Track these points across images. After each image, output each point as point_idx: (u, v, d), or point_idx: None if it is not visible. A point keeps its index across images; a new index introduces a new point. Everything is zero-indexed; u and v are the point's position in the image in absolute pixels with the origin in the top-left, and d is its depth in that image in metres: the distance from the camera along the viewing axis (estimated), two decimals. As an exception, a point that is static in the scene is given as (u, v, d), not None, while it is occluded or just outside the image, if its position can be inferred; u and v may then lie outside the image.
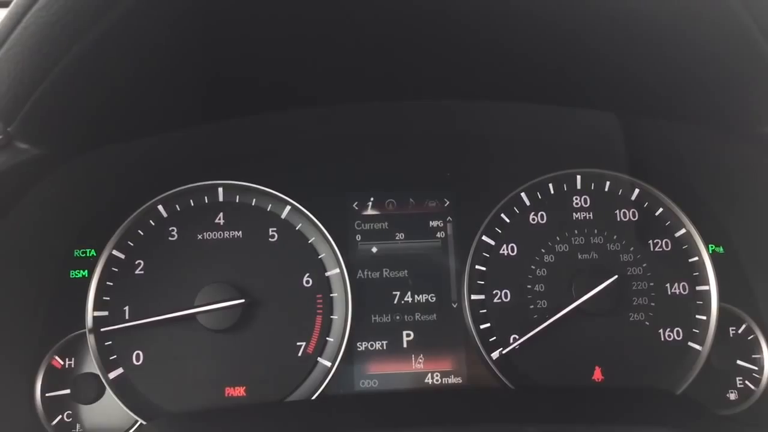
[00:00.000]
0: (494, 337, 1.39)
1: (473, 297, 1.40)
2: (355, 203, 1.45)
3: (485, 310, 1.40)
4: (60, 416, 1.32)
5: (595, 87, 1.25)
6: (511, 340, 1.38)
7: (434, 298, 1.42)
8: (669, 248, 1.44)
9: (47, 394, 1.32)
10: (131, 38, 0.92)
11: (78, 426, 1.32)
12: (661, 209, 1.45)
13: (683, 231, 1.44)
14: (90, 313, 1.34)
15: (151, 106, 1.16)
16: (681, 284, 1.42)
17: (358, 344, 1.39)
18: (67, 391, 1.33)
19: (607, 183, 1.47)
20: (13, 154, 1.08)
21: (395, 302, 1.42)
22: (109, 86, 1.04)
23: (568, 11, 0.98)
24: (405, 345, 1.40)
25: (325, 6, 0.99)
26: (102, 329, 1.34)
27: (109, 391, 1.32)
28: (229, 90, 1.24)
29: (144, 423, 1.30)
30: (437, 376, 1.39)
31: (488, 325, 1.39)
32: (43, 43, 0.87)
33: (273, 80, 1.23)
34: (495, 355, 1.38)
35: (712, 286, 1.41)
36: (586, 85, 1.26)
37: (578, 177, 1.46)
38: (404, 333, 1.41)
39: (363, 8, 1.01)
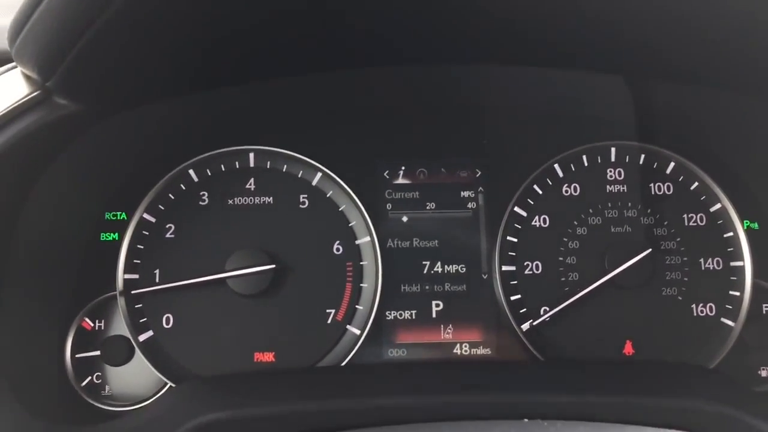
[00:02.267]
0: (524, 309, 1.38)
1: (504, 268, 1.39)
2: (386, 172, 1.44)
3: (516, 282, 1.39)
4: (90, 377, 1.33)
5: (633, 53, 1.23)
6: (542, 312, 1.37)
7: (464, 269, 1.41)
8: (703, 223, 1.42)
9: (77, 356, 1.33)
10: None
11: (107, 387, 1.33)
12: (696, 183, 1.43)
13: (718, 206, 1.42)
14: (121, 276, 1.34)
15: (187, 65, 1.15)
16: (715, 260, 1.40)
17: (387, 313, 1.38)
18: (97, 353, 1.33)
19: (642, 156, 1.45)
20: (51, 109, 1.08)
21: (425, 272, 1.41)
22: (148, 42, 1.03)
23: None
24: (434, 315, 1.39)
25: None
26: (132, 292, 1.34)
27: (138, 354, 1.32)
28: (265, 53, 1.22)
29: (173, 385, 1.30)
30: (466, 346, 1.38)
31: (519, 296, 1.38)
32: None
33: (309, 43, 1.22)
34: (525, 326, 1.37)
35: (747, 262, 1.39)
36: (624, 51, 1.23)
37: (613, 149, 1.44)
38: (433, 303, 1.40)
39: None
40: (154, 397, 1.32)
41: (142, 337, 1.32)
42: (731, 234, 1.41)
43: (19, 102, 1.06)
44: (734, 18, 1.00)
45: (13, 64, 1.08)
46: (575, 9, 1.08)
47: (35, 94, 1.06)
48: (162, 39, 1.01)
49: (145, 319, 1.33)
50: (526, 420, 0.93)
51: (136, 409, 1.31)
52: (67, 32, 0.93)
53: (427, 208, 1.44)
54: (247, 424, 1.10)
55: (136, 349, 1.32)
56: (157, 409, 1.24)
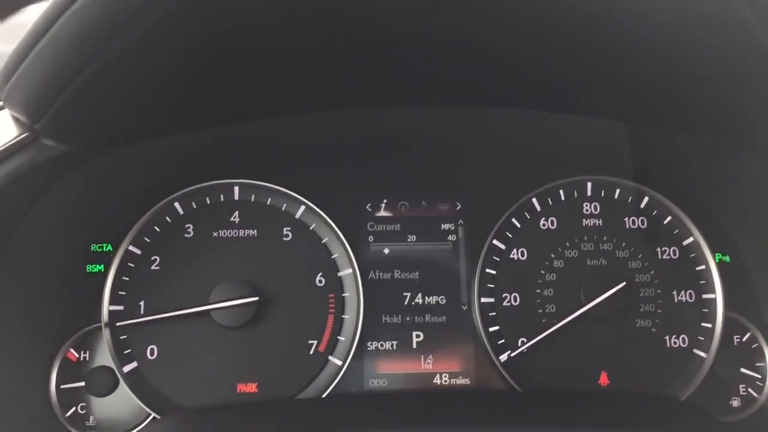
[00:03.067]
0: (503, 340, 1.41)
1: (483, 300, 1.42)
2: (369, 204, 1.47)
3: (494, 313, 1.42)
4: (74, 408, 1.34)
5: (606, 96, 1.28)
6: (520, 344, 1.40)
7: (444, 300, 1.44)
8: (677, 256, 1.46)
9: (62, 386, 1.34)
10: (161, 43, 0.94)
11: (91, 418, 1.34)
12: (669, 218, 1.47)
13: (691, 239, 1.46)
14: (106, 307, 1.36)
15: (173, 107, 1.18)
16: (687, 292, 1.44)
17: (368, 344, 1.41)
18: (82, 384, 1.35)
19: (617, 191, 1.49)
20: (39, 150, 1.11)
21: (406, 303, 1.44)
22: (135, 87, 1.06)
23: (581, 22, 1.00)
24: (414, 345, 1.42)
25: (341, 13, 1.00)
26: (117, 323, 1.35)
27: (123, 385, 1.34)
28: (247, 93, 1.26)
29: (157, 417, 1.32)
30: (446, 377, 1.41)
31: (497, 327, 1.42)
32: (77, 43, 0.89)
33: (290, 85, 1.25)
34: (503, 357, 1.40)
35: (718, 295, 1.43)
36: (598, 94, 1.28)
37: (589, 184, 1.48)
38: (414, 333, 1.43)
39: (382, 15, 1.03)
40: (138, 428, 1.33)
41: (126, 368, 1.34)
42: (703, 267, 1.45)
43: (8, 144, 1.08)
44: (709, 65, 1.04)
45: (1, 105, 1.11)
46: (557, 55, 1.12)
47: (23, 136, 1.08)
48: (148, 85, 1.04)
49: (129, 350, 1.35)
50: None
51: (121, 439, 1.32)
52: (56, 80, 0.95)
53: (408, 240, 1.47)
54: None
55: (120, 380, 1.34)
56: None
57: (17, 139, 1.08)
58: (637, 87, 1.19)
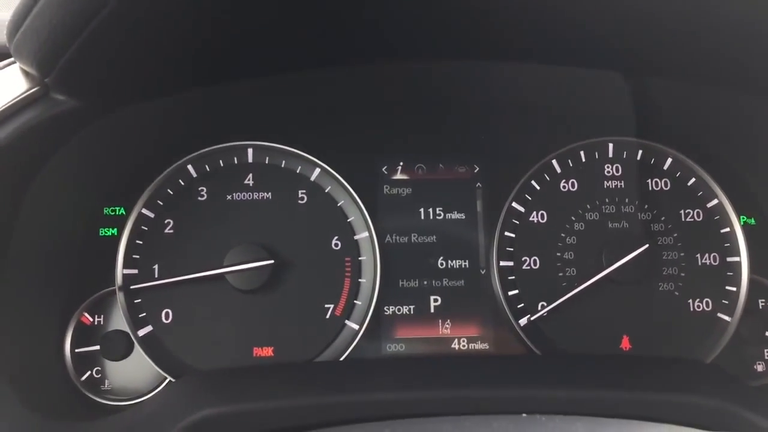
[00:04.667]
0: (522, 304, 1.39)
1: (502, 263, 1.40)
2: (385, 167, 1.45)
3: (514, 277, 1.40)
4: (89, 372, 1.33)
5: (630, 49, 1.23)
6: (539, 308, 1.38)
7: (462, 264, 1.42)
8: (700, 219, 1.43)
9: (77, 350, 1.33)
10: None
11: (107, 382, 1.33)
12: (693, 179, 1.44)
13: (715, 201, 1.43)
14: (120, 271, 1.34)
15: (184, 62, 1.15)
16: (712, 255, 1.41)
17: (385, 308, 1.39)
18: (97, 348, 1.33)
19: (640, 152, 1.45)
20: (50, 105, 1.08)
21: (423, 267, 1.41)
22: (146, 40, 1.03)
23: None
24: (432, 310, 1.40)
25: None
26: (131, 287, 1.34)
27: (138, 349, 1.33)
28: (262, 48, 1.23)
29: (172, 380, 1.30)
30: (464, 341, 1.39)
31: (516, 291, 1.39)
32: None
33: (305, 39, 1.22)
34: (523, 321, 1.38)
35: (743, 258, 1.40)
36: (621, 48, 1.24)
37: (611, 145, 1.45)
38: (432, 298, 1.40)
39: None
40: (154, 392, 1.32)
41: (141, 332, 1.33)
42: (728, 229, 1.42)
43: (18, 98, 1.05)
44: (734, 17, 1.00)
45: (12, 59, 1.08)
46: (576, 6, 1.08)
47: (34, 90, 1.06)
48: (159, 36, 1.01)
49: (144, 314, 1.34)
50: (524, 415, 0.93)
51: (135, 403, 1.31)
52: (66, 29, 0.93)
53: (425, 203, 1.44)
54: (246, 418, 1.10)
55: (136, 344, 1.33)
56: (156, 404, 1.24)
57: (28, 93, 1.06)
58: (661, 39, 1.15)
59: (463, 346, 1.39)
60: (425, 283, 1.41)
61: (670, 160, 1.45)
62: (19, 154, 1.08)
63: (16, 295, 1.19)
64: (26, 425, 1.10)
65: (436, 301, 1.40)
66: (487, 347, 1.39)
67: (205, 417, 1.08)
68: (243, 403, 1.12)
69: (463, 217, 1.44)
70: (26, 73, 1.08)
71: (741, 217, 1.43)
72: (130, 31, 0.95)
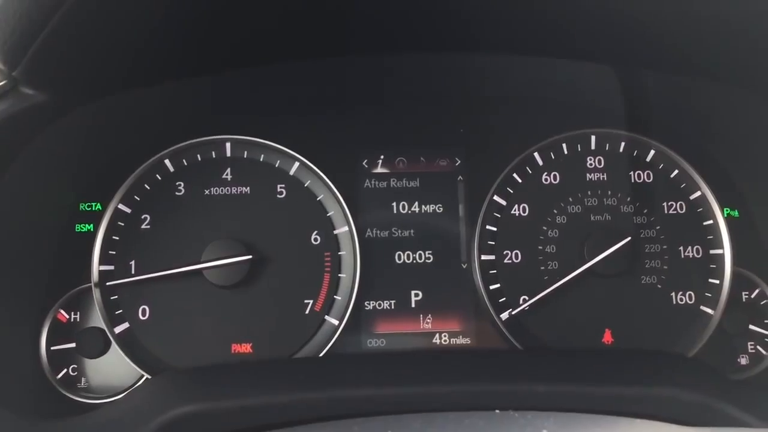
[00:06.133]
0: (504, 298, 1.38)
1: (483, 257, 1.39)
2: (365, 161, 1.43)
3: (495, 271, 1.39)
4: (65, 370, 1.32)
5: (613, 41, 1.22)
6: (521, 302, 1.37)
7: (443, 258, 1.40)
8: (683, 211, 1.42)
9: (52, 348, 1.31)
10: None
11: (83, 380, 1.32)
12: (676, 171, 1.43)
13: (698, 194, 1.42)
14: (96, 267, 1.33)
15: (157, 53, 1.14)
16: (694, 247, 1.40)
17: (365, 303, 1.38)
18: (73, 345, 1.32)
19: (622, 144, 1.44)
20: (18, 99, 1.07)
21: (404, 261, 1.40)
22: (114, 31, 1.01)
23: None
24: (413, 305, 1.39)
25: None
26: (108, 283, 1.33)
27: (114, 346, 1.31)
28: (239, 40, 1.21)
29: (149, 377, 1.29)
30: (445, 336, 1.38)
31: (498, 285, 1.38)
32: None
33: (283, 31, 1.20)
34: (504, 316, 1.37)
35: (726, 250, 1.39)
36: (604, 39, 1.22)
37: (593, 137, 1.44)
38: (412, 293, 1.39)
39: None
40: (131, 389, 1.30)
41: (117, 329, 1.32)
42: (711, 222, 1.41)
43: (-15, 92, 1.04)
44: (718, 13, 0.99)
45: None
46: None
47: (2, 83, 1.04)
48: (127, 27, 0.99)
49: (120, 310, 1.33)
50: (497, 411, 0.92)
51: (112, 401, 1.29)
52: (31, 21, 0.91)
53: (406, 197, 1.42)
54: (224, 416, 1.09)
55: (112, 341, 1.32)
56: (133, 401, 1.23)
57: (-5, 86, 1.04)
58: (643, 31, 1.14)
59: (445, 340, 1.38)
60: (406, 277, 1.39)
61: (652, 152, 1.44)
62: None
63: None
64: (6, 424, 1.09)
65: (417, 295, 1.39)
66: (469, 342, 1.38)
67: (181, 414, 1.06)
68: (220, 401, 1.11)
69: (444, 210, 1.42)
70: (-8, 65, 1.06)
71: (724, 209, 1.42)
72: (95, 22, 0.94)
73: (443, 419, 0.86)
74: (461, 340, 1.38)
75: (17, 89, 1.06)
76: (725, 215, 1.41)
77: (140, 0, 0.94)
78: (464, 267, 1.40)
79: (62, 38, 0.94)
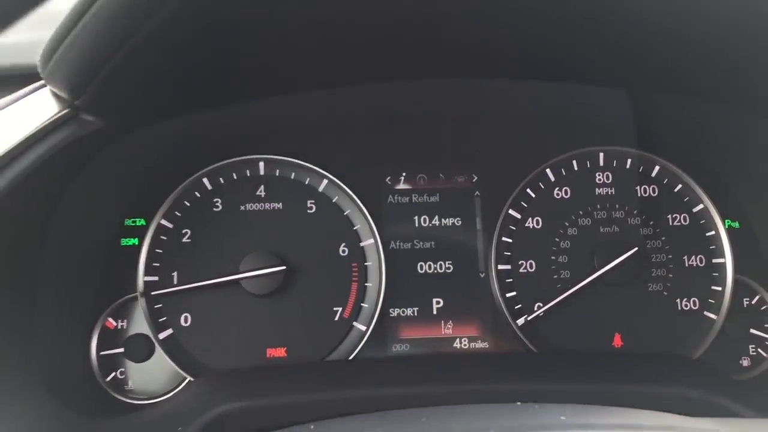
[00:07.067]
0: (519, 305, 1.47)
1: (500, 267, 1.48)
2: (389, 178, 1.53)
3: (511, 280, 1.48)
4: (114, 373, 1.41)
5: (617, 67, 1.32)
6: (536, 308, 1.46)
7: (463, 268, 1.50)
8: (687, 222, 1.51)
9: (102, 353, 1.41)
10: (193, 21, 1.00)
11: (130, 382, 1.42)
12: (679, 185, 1.53)
13: (701, 206, 1.51)
14: (141, 278, 1.43)
15: (203, 84, 1.25)
16: (698, 257, 1.49)
17: (390, 310, 1.47)
18: (121, 350, 1.42)
19: (629, 160, 1.54)
20: (79, 126, 1.17)
21: (426, 271, 1.50)
22: (170, 65, 1.12)
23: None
24: (435, 311, 1.49)
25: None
26: (152, 293, 1.43)
27: (159, 351, 1.41)
28: (274, 72, 1.31)
29: (192, 380, 1.39)
30: (465, 341, 1.48)
31: (514, 293, 1.47)
32: (117, 21, 0.95)
33: (314, 64, 1.31)
34: (520, 321, 1.46)
35: (728, 259, 1.48)
36: (611, 65, 1.32)
37: (601, 154, 1.54)
38: (434, 300, 1.49)
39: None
40: (174, 391, 1.40)
41: (162, 335, 1.42)
42: (713, 233, 1.50)
43: (51, 119, 1.14)
44: (721, 40, 1.08)
45: (41, 82, 1.17)
46: (568, 30, 1.16)
47: (65, 111, 1.14)
48: (183, 62, 1.10)
49: (164, 318, 1.42)
50: (518, 403, 1.02)
51: (158, 401, 1.39)
52: (97, 56, 1.01)
53: (427, 211, 1.52)
54: (262, 413, 1.19)
55: (157, 346, 1.41)
56: (178, 401, 1.34)
57: (59, 114, 1.15)
58: (646, 56, 1.24)
59: (464, 345, 1.47)
60: (428, 286, 1.49)
61: (657, 167, 1.53)
62: (52, 171, 1.17)
63: (48, 302, 1.28)
64: (62, 421, 1.19)
65: (438, 303, 1.49)
66: (487, 346, 1.47)
67: (223, 412, 1.16)
68: (259, 399, 1.21)
69: (463, 223, 1.52)
70: (57, 96, 1.17)
71: (725, 220, 1.51)
72: (154, 58, 1.04)
73: (468, 409, 0.95)
74: (480, 345, 1.48)
75: (78, 116, 1.17)
76: (726, 226, 1.50)
77: (197, 41, 1.04)
78: (482, 276, 1.50)
79: (122, 72, 1.05)
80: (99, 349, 1.42)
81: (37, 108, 1.17)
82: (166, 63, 1.09)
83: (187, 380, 1.40)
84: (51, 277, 1.29)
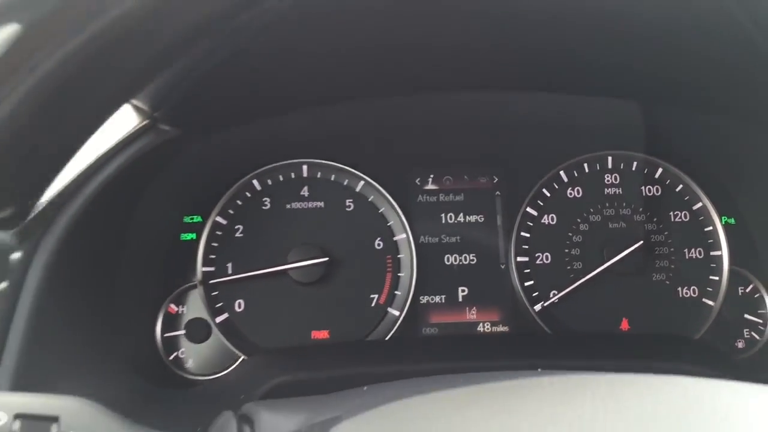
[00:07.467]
0: (536, 293, 1.64)
1: (519, 259, 1.65)
2: (418, 179, 1.71)
3: (529, 270, 1.65)
4: (176, 352, 1.58)
5: (625, 81, 1.48)
6: (551, 295, 1.63)
7: (485, 260, 1.67)
8: (687, 219, 1.67)
9: (165, 335, 1.59)
10: (272, 42, 1.16)
11: (191, 360, 1.59)
12: (681, 186, 1.68)
13: (700, 204, 1.67)
14: (199, 269, 1.60)
15: (263, 96, 1.43)
16: (697, 250, 1.65)
17: (421, 297, 1.64)
18: (182, 332, 1.60)
19: (635, 163, 1.70)
20: (157, 134, 1.35)
21: (452, 263, 1.67)
22: (243, 81, 1.30)
23: (600, 16, 1.20)
24: (460, 299, 1.65)
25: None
26: (210, 282, 1.59)
27: (216, 333, 1.59)
28: (319, 84, 1.49)
29: (245, 358, 1.56)
30: (488, 325, 1.65)
31: (532, 282, 1.64)
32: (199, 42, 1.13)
33: (356, 77, 1.48)
34: (537, 307, 1.63)
35: (724, 252, 1.64)
36: (617, 78, 1.48)
37: (610, 158, 1.70)
38: (460, 289, 1.66)
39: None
40: (230, 368, 1.58)
41: (218, 319, 1.59)
42: (711, 228, 1.66)
43: (132, 130, 1.32)
44: (718, 55, 1.22)
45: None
46: (582, 46, 1.32)
47: (144, 122, 1.33)
48: (248, 78, 1.28)
49: (220, 304, 1.59)
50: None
51: (216, 377, 1.57)
52: (177, 75, 1.20)
53: (453, 209, 1.70)
54: (310, 384, 1.36)
55: (213, 328, 1.59)
56: (234, 377, 1.52)
57: (140, 125, 1.33)
58: (653, 72, 1.39)
59: (487, 328, 1.64)
60: (454, 276, 1.66)
61: (660, 170, 1.70)
62: (133, 176, 1.35)
63: (125, 292, 1.47)
64: (141, 393, 1.37)
65: (463, 291, 1.66)
66: (508, 329, 1.64)
67: (275, 384, 1.33)
68: (307, 372, 1.38)
69: (485, 220, 1.69)
70: (136, 108, 1.35)
71: (722, 217, 1.66)
72: (222, 76, 1.22)
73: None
74: (501, 328, 1.64)
75: (156, 126, 1.35)
76: (723, 223, 1.66)
77: (262, 61, 1.22)
78: (503, 267, 1.67)
79: (201, 87, 1.23)
80: (163, 331, 1.59)
81: (120, 119, 1.35)
82: (235, 79, 1.27)
83: (240, 359, 1.57)
84: (127, 270, 1.47)
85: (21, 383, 1.12)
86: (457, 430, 0.70)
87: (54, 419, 0.77)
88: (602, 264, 1.61)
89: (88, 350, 1.35)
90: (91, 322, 1.38)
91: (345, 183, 1.67)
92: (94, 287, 1.39)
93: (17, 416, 0.75)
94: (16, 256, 1.19)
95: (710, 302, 1.62)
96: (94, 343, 1.38)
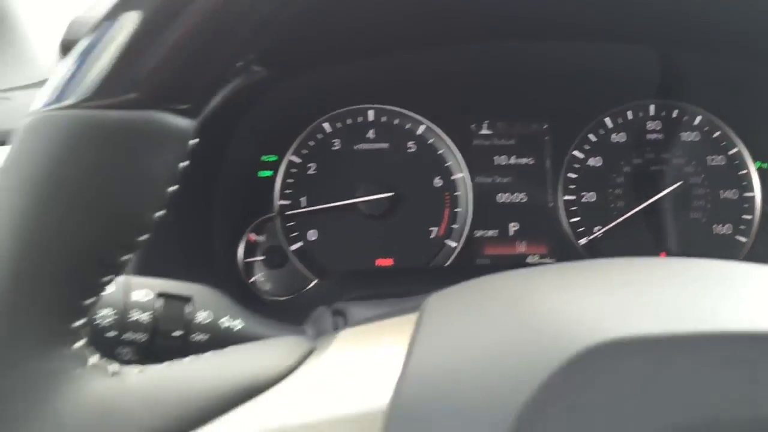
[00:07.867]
0: (582, 228, 1.79)
1: (566, 197, 1.80)
2: (474, 125, 1.86)
3: (575, 208, 1.80)
4: (256, 276, 1.78)
5: (672, 30, 1.62)
6: (595, 230, 1.78)
7: (535, 199, 1.83)
8: (723, 163, 1.80)
9: (246, 260, 1.78)
10: None
11: (269, 284, 1.78)
12: (718, 132, 1.82)
13: (735, 149, 1.80)
14: (277, 202, 1.78)
15: (341, 42, 1.59)
16: (732, 191, 1.79)
17: (475, 231, 1.80)
18: (261, 258, 1.79)
19: (675, 111, 1.84)
20: (249, 74, 1.52)
21: (504, 201, 1.83)
22: (320, 24, 1.46)
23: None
24: (511, 233, 1.82)
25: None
26: (286, 213, 1.77)
27: (292, 258, 1.77)
28: (386, 33, 1.65)
29: (318, 281, 1.75)
30: (536, 257, 1.81)
31: (578, 218, 1.79)
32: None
33: (417, 31, 1.63)
34: (583, 241, 1.78)
35: (757, 193, 1.77)
36: (668, 28, 1.62)
37: (652, 106, 1.83)
38: (511, 224, 1.82)
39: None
40: (304, 290, 1.77)
41: (293, 247, 1.77)
42: (745, 171, 1.80)
43: (228, 68, 1.50)
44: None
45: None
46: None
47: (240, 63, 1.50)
48: (330, 22, 1.44)
49: (295, 233, 1.77)
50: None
51: (293, 297, 1.76)
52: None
53: (506, 152, 1.86)
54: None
55: (290, 255, 1.78)
56: (310, 296, 1.71)
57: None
58: (700, 22, 1.53)
59: (536, 261, 1.81)
60: (506, 212, 1.82)
61: (699, 117, 1.83)
62: (227, 113, 1.52)
63: (218, 220, 1.66)
64: (234, 306, 1.55)
65: (514, 226, 1.82)
66: (555, 261, 1.81)
67: (347, 298, 1.51)
68: (378, 289, 1.56)
69: (535, 162, 1.85)
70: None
71: (756, 162, 1.81)
72: (309, 21, 1.38)
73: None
74: (548, 261, 1.81)
75: (249, 67, 1.52)
76: (757, 167, 1.80)
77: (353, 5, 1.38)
78: (551, 206, 1.83)
79: (293, 29, 1.40)
80: (245, 257, 1.78)
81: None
82: (320, 24, 1.43)
83: (314, 282, 1.76)
84: (218, 200, 1.66)
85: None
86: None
87: (188, 299, 0.96)
88: (643, 203, 1.75)
89: (189, 267, 1.55)
90: (190, 246, 1.58)
91: (407, 127, 1.83)
92: (194, 220, 1.58)
93: (160, 294, 0.94)
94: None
95: (743, 239, 1.76)
96: (191, 266, 1.57)
